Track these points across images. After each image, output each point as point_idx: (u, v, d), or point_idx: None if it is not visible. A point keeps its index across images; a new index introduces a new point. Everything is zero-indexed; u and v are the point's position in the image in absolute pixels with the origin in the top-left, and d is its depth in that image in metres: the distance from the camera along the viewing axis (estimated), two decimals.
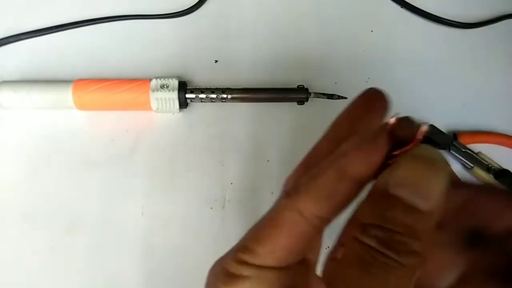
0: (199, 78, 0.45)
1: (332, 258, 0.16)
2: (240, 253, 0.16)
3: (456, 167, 0.41)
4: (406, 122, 0.16)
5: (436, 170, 0.15)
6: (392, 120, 0.16)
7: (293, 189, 0.16)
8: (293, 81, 0.44)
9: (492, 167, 0.41)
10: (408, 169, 0.15)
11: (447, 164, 0.15)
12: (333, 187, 0.16)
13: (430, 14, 0.51)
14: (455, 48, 0.50)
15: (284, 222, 0.16)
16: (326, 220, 0.16)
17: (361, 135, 0.17)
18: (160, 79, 0.41)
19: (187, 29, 0.49)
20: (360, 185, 0.16)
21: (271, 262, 0.16)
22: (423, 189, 0.14)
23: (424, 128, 0.16)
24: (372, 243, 0.14)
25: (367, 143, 0.16)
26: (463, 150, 0.41)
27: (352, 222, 0.16)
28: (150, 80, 0.41)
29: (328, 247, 0.17)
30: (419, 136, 0.16)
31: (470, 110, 0.45)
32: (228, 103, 0.43)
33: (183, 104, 0.42)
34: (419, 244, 0.14)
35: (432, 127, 0.42)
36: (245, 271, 0.16)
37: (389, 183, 0.15)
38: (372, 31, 0.50)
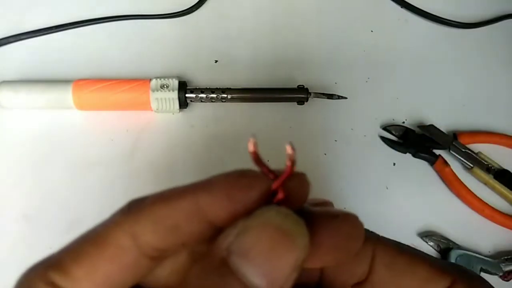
0: (199, 78, 0.45)
1: None
2: (51, 270, 0.13)
3: (456, 167, 0.41)
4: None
5: (289, 246, 0.11)
6: (288, 162, 0.13)
7: (136, 204, 0.14)
8: (293, 81, 0.44)
9: (492, 167, 0.41)
10: (255, 238, 0.12)
11: (304, 237, 0.12)
12: (181, 222, 0.13)
13: (430, 14, 0.51)
14: (455, 48, 0.50)
15: (110, 243, 0.13)
16: (167, 252, 0.14)
17: (238, 171, 0.14)
18: (160, 79, 0.41)
19: (187, 29, 0.49)
20: (218, 231, 0.13)
21: None
22: (268, 268, 0.11)
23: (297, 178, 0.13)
24: None
25: (238, 190, 0.13)
26: (463, 150, 0.41)
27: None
28: (150, 80, 0.41)
29: None
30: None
31: (470, 110, 0.45)
32: (228, 103, 0.43)
33: (183, 104, 0.42)
34: None
35: (432, 127, 0.42)
36: None
37: (230, 250, 0.12)
38: (372, 31, 0.50)
